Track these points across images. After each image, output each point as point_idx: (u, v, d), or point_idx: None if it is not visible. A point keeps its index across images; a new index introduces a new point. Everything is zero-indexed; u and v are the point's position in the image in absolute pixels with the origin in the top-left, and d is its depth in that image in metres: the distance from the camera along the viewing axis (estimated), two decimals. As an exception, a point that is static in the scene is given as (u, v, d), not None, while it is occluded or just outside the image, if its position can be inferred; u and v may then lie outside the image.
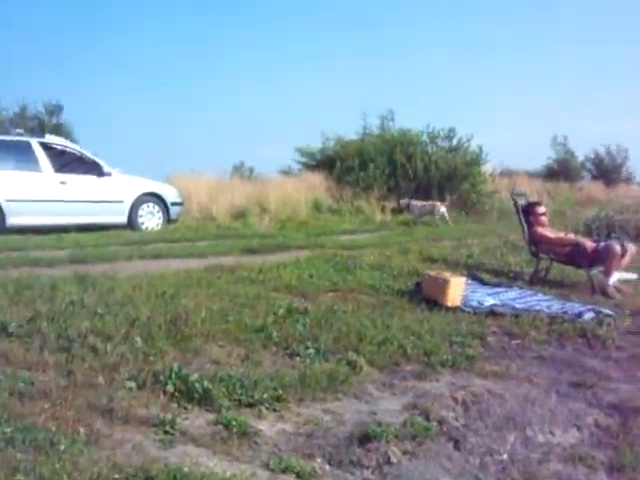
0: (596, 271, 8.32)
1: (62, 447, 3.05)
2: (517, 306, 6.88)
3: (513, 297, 7.39)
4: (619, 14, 54.16)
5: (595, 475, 3.44)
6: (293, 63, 53.75)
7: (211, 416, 3.72)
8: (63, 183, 12.90)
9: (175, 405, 3.81)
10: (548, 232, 9.03)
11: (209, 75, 49.92)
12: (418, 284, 7.37)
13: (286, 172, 24.26)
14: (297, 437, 3.59)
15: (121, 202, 13.72)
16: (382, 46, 54.45)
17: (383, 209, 19.17)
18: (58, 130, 22.71)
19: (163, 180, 15.91)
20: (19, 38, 43.07)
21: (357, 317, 6.00)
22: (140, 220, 13.98)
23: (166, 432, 3.44)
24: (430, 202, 18.73)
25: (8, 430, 3.15)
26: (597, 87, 56.28)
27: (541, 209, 9.25)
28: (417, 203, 18.54)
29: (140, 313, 5.35)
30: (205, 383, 3.96)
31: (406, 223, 17.73)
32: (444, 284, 6.81)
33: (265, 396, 3.97)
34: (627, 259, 8.43)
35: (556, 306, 7.00)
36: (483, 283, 8.25)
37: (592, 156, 39.68)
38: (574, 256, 8.54)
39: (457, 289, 6.86)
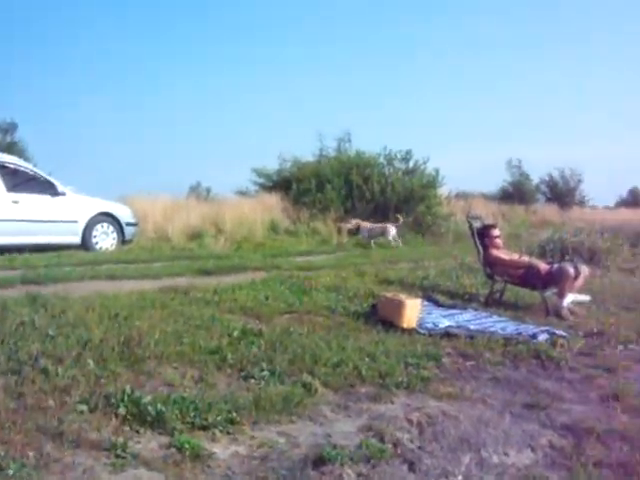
0: (550, 293, 8.41)
1: (10, 472, 3.00)
2: (472, 327, 6.92)
3: (468, 319, 7.43)
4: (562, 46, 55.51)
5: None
6: (250, 84, 53.99)
7: (164, 439, 3.66)
8: (16, 202, 12.66)
9: (127, 428, 3.74)
10: (503, 254, 9.11)
11: (166, 96, 49.91)
12: (374, 306, 7.38)
13: (242, 193, 24.21)
14: (251, 460, 3.55)
15: (75, 222, 13.52)
16: (338, 66, 55.10)
17: (340, 230, 19.16)
18: (11, 149, 22.44)
19: (118, 200, 15.75)
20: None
21: (312, 339, 5.98)
22: (94, 240, 13.78)
23: (117, 456, 3.38)
24: (380, 224, 18.80)
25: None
26: (552, 111, 57.45)
27: (496, 232, 9.34)
28: (366, 225, 18.62)
29: (93, 335, 5.27)
30: (158, 406, 3.91)
31: (363, 245, 17.78)
32: (400, 306, 6.82)
33: (219, 419, 3.92)
34: (580, 281, 8.55)
35: (511, 327, 7.05)
36: (438, 305, 8.29)
37: (546, 179, 40.52)
38: (528, 278, 8.63)
39: (413, 311, 6.88)
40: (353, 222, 18.81)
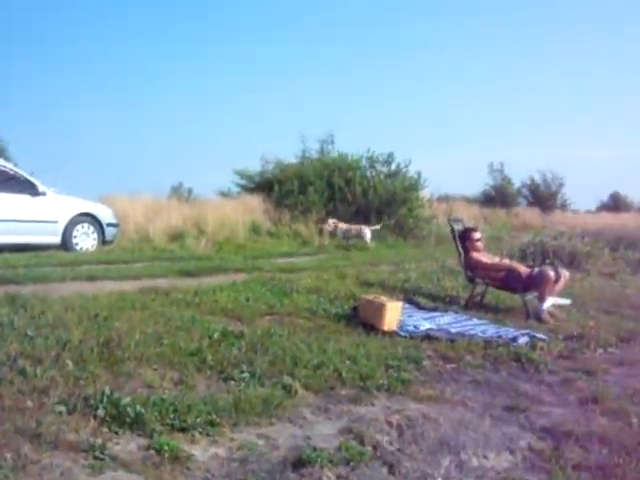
0: (531, 296, 8.45)
1: (-13, 473, 2.96)
2: (453, 330, 6.94)
3: (449, 321, 7.45)
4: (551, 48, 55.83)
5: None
6: (233, 85, 53.93)
7: (143, 441, 3.64)
8: (-6, 202, 12.57)
9: (106, 430, 3.71)
10: (483, 257, 9.14)
11: (150, 98, 49.80)
12: (355, 308, 7.38)
13: (224, 194, 24.08)
14: (230, 462, 3.54)
15: (55, 222, 13.40)
16: (322, 66, 55.19)
17: (321, 232, 19.11)
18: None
19: (98, 200, 15.65)
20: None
21: (293, 341, 5.96)
22: (74, 241, 13.67)
23: (96, 457, 3.35)
24: (356, 225, 18.87)
25: None
26: (534, 115, 57.76)
27: (477, 235, 9.37)
28: (342, 226, 18.66)
29: (72, 336, 5.21)
30: (137, 407, 3.88)
31: (345, 247, 17.78)
32: (381, 308, 6.83)
33: (198, 420, 3.91)
34: (561, 285, 8.59)
35: (491, 330, 7.08)
36: (419, 307, 8.30)
37: (528, 182, 40.70)
38: (509, 281, 8.67)
39: (393, 313, 6.88)
40: (330, 222, 18.82)
